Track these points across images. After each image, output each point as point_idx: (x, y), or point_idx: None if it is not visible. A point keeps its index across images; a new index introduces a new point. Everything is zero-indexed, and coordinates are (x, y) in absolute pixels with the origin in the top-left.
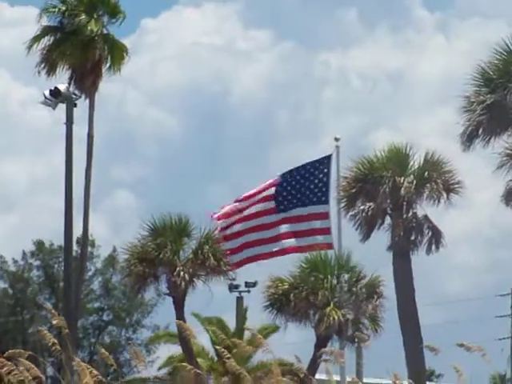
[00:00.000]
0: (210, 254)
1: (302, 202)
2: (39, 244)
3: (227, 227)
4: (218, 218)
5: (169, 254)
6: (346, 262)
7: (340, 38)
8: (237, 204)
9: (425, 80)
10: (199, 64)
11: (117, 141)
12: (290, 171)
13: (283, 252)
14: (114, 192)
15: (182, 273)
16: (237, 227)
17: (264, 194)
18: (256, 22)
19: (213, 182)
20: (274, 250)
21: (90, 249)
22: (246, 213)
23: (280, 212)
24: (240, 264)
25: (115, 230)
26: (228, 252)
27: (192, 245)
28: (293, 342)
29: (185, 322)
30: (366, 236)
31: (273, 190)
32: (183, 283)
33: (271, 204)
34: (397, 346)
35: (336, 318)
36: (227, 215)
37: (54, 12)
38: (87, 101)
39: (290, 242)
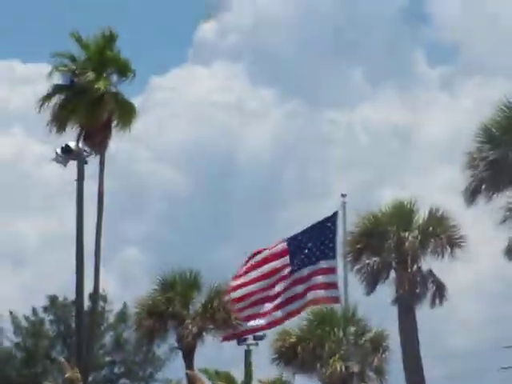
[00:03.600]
0: (220, 308)
1: (311, 260)
2: (53, 299)
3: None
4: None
5: (178, 307)
6: (352, 315)
7: (346, 96)
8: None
9: (430, 136)
10: (207, 122)
11: (127, 198)
12: (299, 234)
13: (296, 313)
14: (123, 248)
15: (190, 326)
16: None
17: (277, 262)
18: (264, 80)
19: (220, 239)
20: (287, 312)
21: (102, 304)
22: (260, 284)
23: (293, 273)
24: (255, 329)
25: (125, 285)
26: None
27: (201, 299)
28: None
29: None
30: (371, 289)
31: (287, 258)
32: (191, 336)
33: (287, 270)
34: None
35: (339, 368)
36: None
37: (65, 70)
38: (97, 158)
39: (301, 301)
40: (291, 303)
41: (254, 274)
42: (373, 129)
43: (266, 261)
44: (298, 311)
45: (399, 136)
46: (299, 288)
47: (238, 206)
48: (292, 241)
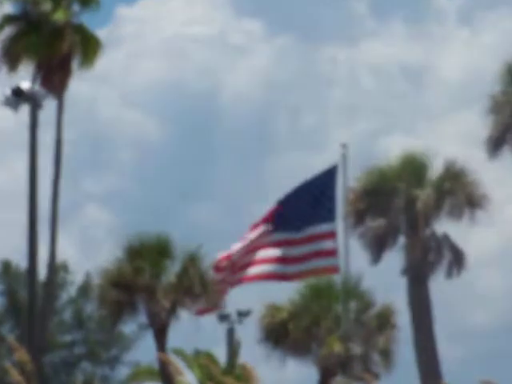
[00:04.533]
0: (197, 278)
1: (305, 221)
2: (5, 265)
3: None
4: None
5: (147, 278)
6: (353, 287)
7: (348, 30)
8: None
9: (446, 77)
10: (184, 59)
11: (88, 147)
12: (292, 192)
13: (284, 278)
14: (84, 207)
15: (162, 299)
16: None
17: (267, 225)
18: (250, 11)
19: (199, 196)
20: (273, 272)
21: (62, 274)
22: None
23: (279, 232)
24: (234, 283)
25: (86, 251)
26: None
27: (175, 267)
28: (292, 380)
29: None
30: (377, 257)
31: (279, 219)
32: (164, 313)
33: (268, 226)
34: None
35: (338, 349)
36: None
37: None
38: (55, 102)
39: (292, 267)
40: (283, 264)
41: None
42: (379, 68)
43: (255, 227)
44: (289, 277)
45: (409, 77)
46: (294, 251)
47: (220, 158)
48: (285, 201)
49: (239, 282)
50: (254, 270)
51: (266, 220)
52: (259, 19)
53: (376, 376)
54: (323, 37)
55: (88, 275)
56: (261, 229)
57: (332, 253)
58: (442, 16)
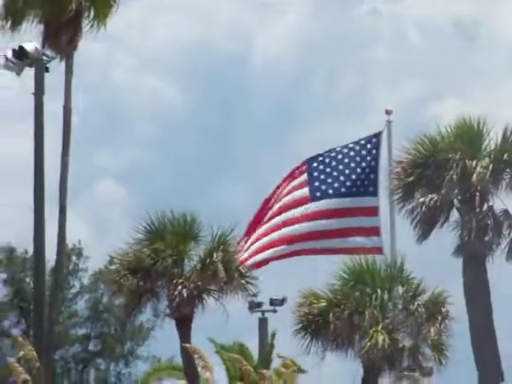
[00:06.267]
0: (222, 263)
1: (344, 191)
2: (7, 250)
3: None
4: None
5: (169, 264)
6: (399, 271)
7: None
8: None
9: (504, 34)
10: (208, 17)
11: (101, 117)
12: (328, 151)
13: (317, 252)
14: (97, 184)
15: (185, 288)
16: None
17: (293, 183)
18: None
19: (225, 173)
20: (306, 248)
21: (75, 259)
22: (271, 212)
23: (315, 200)
24: (261, 264)
25: (100, 233)
26: (245, 259)
27: (200, 251)
28: (333, 375)
29: None
30: (426, 235)
31: (305, 175)
32: (186, 300)
33: (304, 192)
34: (470, 381)
35: (381, 341)
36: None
37: None
38: (63, 64)
39: (327, 242)
40: (321, 239)
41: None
42: (427, 24)
43: (288, 193)
44: (329, 251)
45: (462, 34)
46: (333, 223)
47: (250, 128)
48: (322, 159)
49: (271, 259)
50: (290, 248)
51: (295, 185)
52: None
53: (428, 372)
54: None
55: (103, 260)
56: (291, 192)
57: (375, 231)
58: None
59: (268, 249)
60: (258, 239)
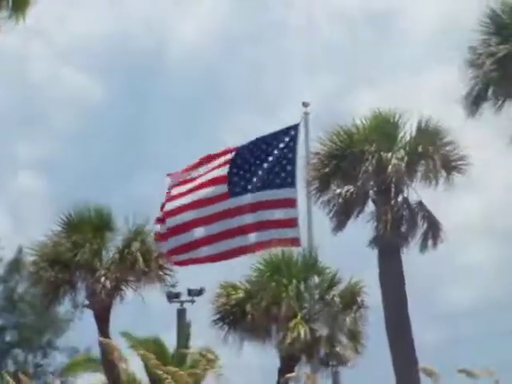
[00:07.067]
0: (141, 254)
1: (262, 184)
2: None
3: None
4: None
5: (87, 255)
6: (315, 261)
7: None
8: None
9: (418, 25)
10: (125, 8)
11: (20, 109)
12: (247, 145)
13: (238, 252)
14: (14, 176)
15: (104, 278)
16: (180, 217)
17: (216, 167)
18: None
19: (142, 164)
20: (228, 249)
21: None
22: (191, 197)
23: (234, 196)
24: (184, 263)
25: (18, 224)
26: (168, 252)
27: (117, 242)
28: (250, 365)
29: None
30: (341, 226)
31: (226, 169)
32: (105, 291)
33: (223, 188)
34: (385, 369)
35: (303, 333)
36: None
37: None
38: None
39: (246, 237)
40: (240, 236)
41: (191, 197)
42: (341, 14)
43: (210, 182)
44: (248, 248)
45: (376, 25)
46: (249, 217)
47: (167, 119)
48: (241, 153)
49: (194, 261)
50: (211, 249)
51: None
52: None
53: (344, 360)
54: None
55: (20, 251)
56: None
57: (292, 222)
58: None
59: (189, 249)
60: (174, 234)
